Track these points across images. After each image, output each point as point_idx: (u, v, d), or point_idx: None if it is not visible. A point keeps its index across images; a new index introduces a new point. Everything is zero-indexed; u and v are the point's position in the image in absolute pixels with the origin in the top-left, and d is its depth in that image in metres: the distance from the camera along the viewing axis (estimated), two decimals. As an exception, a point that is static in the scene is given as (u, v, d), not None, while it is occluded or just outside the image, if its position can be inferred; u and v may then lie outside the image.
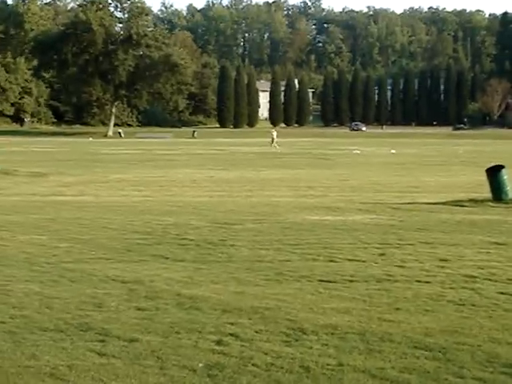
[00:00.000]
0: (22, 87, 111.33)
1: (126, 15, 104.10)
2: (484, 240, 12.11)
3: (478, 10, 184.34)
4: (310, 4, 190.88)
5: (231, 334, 6.59)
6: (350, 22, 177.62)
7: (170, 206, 17.98)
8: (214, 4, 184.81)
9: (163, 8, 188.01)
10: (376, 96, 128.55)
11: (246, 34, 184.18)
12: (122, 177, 28.97)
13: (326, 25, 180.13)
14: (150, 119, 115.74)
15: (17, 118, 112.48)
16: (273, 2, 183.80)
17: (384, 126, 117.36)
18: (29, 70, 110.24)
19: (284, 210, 16.86)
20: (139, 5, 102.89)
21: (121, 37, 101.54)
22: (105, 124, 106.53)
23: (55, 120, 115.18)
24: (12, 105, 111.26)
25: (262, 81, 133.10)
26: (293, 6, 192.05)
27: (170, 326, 6.84)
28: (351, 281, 8.91)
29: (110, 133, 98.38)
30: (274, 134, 62.37)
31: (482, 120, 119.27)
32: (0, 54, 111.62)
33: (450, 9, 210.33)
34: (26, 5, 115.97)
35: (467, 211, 16.57)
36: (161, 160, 42.17)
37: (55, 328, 6.80)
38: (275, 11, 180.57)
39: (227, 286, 8.65)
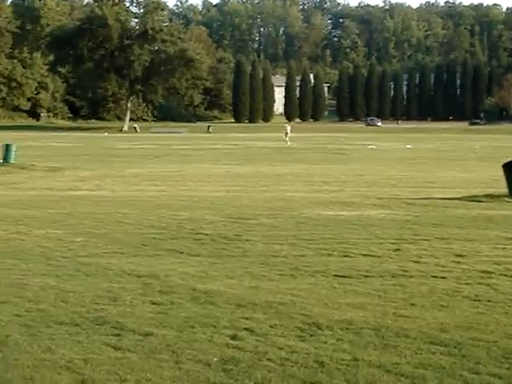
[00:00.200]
0: (38, 82, 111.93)
1: (142, 10, 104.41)
2: (500, 235, 12.05)
3: (495, 4, 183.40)
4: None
5: (246, 329, 6.59)
6: (365, 17, 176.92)
7: (185, 200, 18.01)
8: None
9: (179, 3, 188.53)
10: (392, 91, 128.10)
11: (262, 29, 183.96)
12: (137, 171, 29.05)
13: (341, 19, 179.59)
14: (166, 114, 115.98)
15: (33, 113, 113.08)
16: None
17: (399, 121, 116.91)
18: (45, 65, 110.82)
19: (299, 204, 16.84)
20: (155, 0, 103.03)
21: (136, 32, 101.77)
22: (120, 119, 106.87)
23: (71, 115, 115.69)
24: (28, 100, 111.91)
25: (277, 76, 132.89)
26: (308, 0, 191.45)
27: (185, 321, 6.85)
28: (366, 276, 8.88)
29: (126, 128, 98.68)
30: (288, 128, 62.29)
31: (498, 115, 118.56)
32: (16, 49, 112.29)
33: (466, 3, 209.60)
34: (42, 0, 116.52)
35: (483, 206, 16.48)
36: (176, 155, 42.25)
37: (71, 322, 6.84)
38: (290, 6, 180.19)
39: (242, 280, 8.65)
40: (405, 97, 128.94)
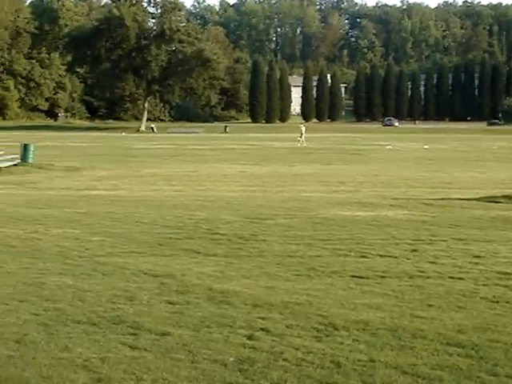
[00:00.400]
0: (56, 82, 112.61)
1: (159, 10, 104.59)
2: (518, 237, 11.96)
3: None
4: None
5: (262, 329, 6.59)
6: (383, 17, 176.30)
7: (201, 200, 18.04)
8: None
9: (196, 3, 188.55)
10: (409, 91, 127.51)
11: (279, 29, 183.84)
12: (154, 171, 29.14)
13: (358, 19, 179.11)
14: (183, 114, 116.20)
15: (51, 113, 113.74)
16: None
17: (417, 122, 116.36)
18: (63, 65, 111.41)
19: (315, 205, 16.82)
20: (172, 0, 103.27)
21: (154, 32, 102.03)
22: (137, 119, 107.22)
23: (89, 115, 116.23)
24: (46, 100, 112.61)
25: (294, 76, 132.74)
26: (325, 0, 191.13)
27: (201, 320, 6.86)
28: (383, 277, 8.85)
29: (143, 128, 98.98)
30: (303, 129, 62.21)
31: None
32: (35, 50, 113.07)
33: (485, 2, 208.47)
34: (60, 1, 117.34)
35: (501, 207, 16.37)
36: (193, 155, 42.34)
37: (88, 321, 6.87)
38: (307, 6, 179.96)
39: (258, 280, 8.65)
40: (422, 97, 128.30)
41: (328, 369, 5.60)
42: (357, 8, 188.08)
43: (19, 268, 9.34)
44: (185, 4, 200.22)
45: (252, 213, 15.10)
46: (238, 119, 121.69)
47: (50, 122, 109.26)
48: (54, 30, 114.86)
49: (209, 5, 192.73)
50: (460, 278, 8.77)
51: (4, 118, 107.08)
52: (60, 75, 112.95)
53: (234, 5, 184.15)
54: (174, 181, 24.86)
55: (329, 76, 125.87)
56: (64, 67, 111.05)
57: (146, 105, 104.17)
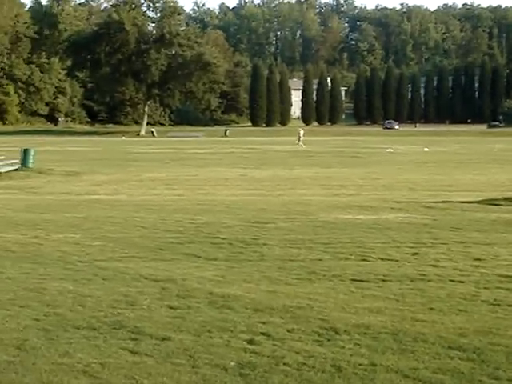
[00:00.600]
0: (56, 87, 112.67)
1: (159, 15, 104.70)
2: (519, 239, 11.94)
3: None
4: (342, 2, 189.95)
5: (263, 333, 6.58)
6: (382, 20, 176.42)
7: (202, 204, 18.03)
8: (246, 3, 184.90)
9: (195, 7, 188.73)
10: (409, 94, 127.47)
11: (278, 33, 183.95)
12: (154, 176, 29.13)
13: (358, 22, 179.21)
14: (183, 118, 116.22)
15: (51, 118, 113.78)
16: (305, 0, 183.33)
17: (417, 124, 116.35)
18: (63, 69, 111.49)
19: (316, 208, 16.81)
20: (172, 4, 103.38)
21: (153, 36, 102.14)
22: (138, 123, 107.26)
23: (89, 119, 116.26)
24: (46, 104, 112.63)
25: (294, 79, 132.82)
26: (325, 3, 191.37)
27: (202, 325, 6.85)
28: (384, 280, 8.84)
29: (143, 132, 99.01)
30: (301, 132, 62.29)
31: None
32: (35, 55, 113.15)
33: (484, 5, 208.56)
34: (60, 5, 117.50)
35: (502, 210, 16.36)
36: (193, 159, 42.33)
37: (88, 326, 6.86)
38: (307, 9, 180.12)
39: (259, 284, 8.64)
40: (423, 100, 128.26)
41: (329, 373, 5.58)
42: (356, 11, 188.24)
43: (19, 273, 9.33)
44: (184, 8, 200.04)
45: (253, 217, 15.09)
46: (238, 123, 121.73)
47: (50, 126, 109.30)
48: (53, 35, 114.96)
49: (208, 9, 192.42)
50: (461, 281, 8.75)
51: (4, 123, 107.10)
52: (60, 80, 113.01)
53: (233, 8, 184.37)
54: (175, 185, 24.85)
55: (329, 79, 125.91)
56: (64, 72, 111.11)
57: (146, 109, 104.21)
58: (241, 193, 21.87)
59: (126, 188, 23.77)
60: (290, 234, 12.57)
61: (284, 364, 5.77)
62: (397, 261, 10.09)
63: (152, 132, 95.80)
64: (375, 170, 32.51)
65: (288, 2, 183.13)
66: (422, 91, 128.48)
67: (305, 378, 5.48)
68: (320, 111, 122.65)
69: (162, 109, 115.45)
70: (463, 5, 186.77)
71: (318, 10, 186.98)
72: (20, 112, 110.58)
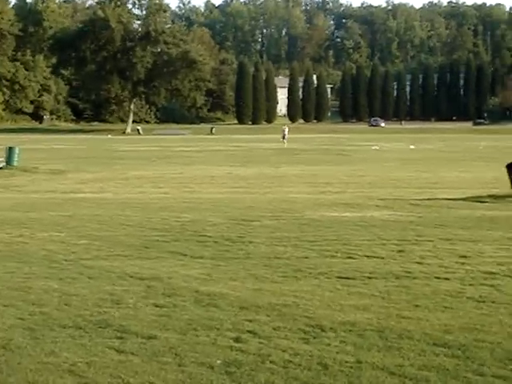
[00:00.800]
0: (41, 85, 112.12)
1: (144, 12, 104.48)
2: (504, 236, 12.02)
3: (498, 4, 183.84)
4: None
5: (249, 331, 6.58)
6: (368, 17, 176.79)
7: (188, 202, 18.00)
8: (231, 0, 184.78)
9: (181, 4, 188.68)
10: (395, 91, 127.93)
11: (264, 30, 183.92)
12: (140, 174, 29.07)
13: (344, 20, 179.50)
14: (169, 116, 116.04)
15: (36, 116, 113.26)
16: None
17: (403, 122, 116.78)
18: (48, 67, 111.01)
19: (302, 206, 16.83)
20: (157, 1, 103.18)
21: (139, 34, 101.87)
22: (123, 121, 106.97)
23: (74, 117, 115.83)
24: (31, 102, 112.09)
25: (280, 77, 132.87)
26: (311, 1, 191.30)
27: (188, 323, 6.85)
28: (370, 277, 8.87)
29: (129, 130, 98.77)
30: (286, 129, 62.44)
31: (502, 115, 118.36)
32: (19, 52, 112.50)
33: (469, 3, 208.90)
34: (44, 2, 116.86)
35: (487, 207, 16.45)
36: (179, 157, 42.27)
37: (74, 325, 6.83)
38: (293, 7, 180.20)
39: (245, 282, 8.64)
40: (408, 97, 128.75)
41: (315, 370, 5.60)
42: (342, 9, 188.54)
43: (4, 272, 9.27)
44: (170, 5, 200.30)
45: (239, 214, 15.09)
46: (224, 120, 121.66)
47: (35, 124, 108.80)
48: (38, 32, 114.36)
49: (194, 6, 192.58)
50: (446, 279, 8.79)
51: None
52: (45, 77, 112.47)
53: (219, 6, 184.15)
54: (161, 183, 24.80)
55: (315, 77, 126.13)
56: (49, 69, 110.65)
57: (132, 107, 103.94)
58: (227, 191, 21.86)
59: (111, 186, 23.70)
60: (276, 232, 12.58)
61: (270, 362, 5.78)
62: (382, 258, 10.12)
63: (138, 130, 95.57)
64: (361, 167, 32.59)
65: (274, 0, 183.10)
66: (408, 89, 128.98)
67: (291, 376, 5.49)
68: (306, 109, 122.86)
69: (147, 107, 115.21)
70: (448, 2, 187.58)
71: (303, 8, 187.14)
72: (4, 110, 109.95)
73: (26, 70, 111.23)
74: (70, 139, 73.73)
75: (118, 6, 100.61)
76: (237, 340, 6.33)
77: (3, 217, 14.95)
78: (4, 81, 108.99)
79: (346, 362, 5.77)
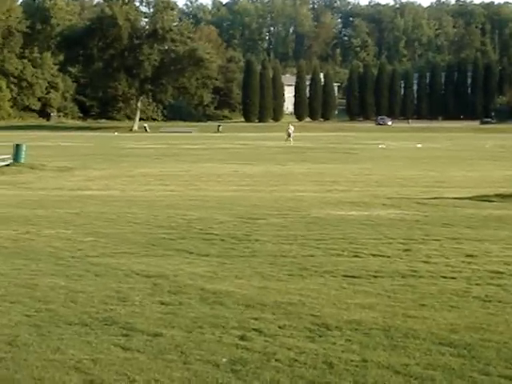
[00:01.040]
0: (48, 82, 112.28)
1: (152, 10, 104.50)
2: (511, 235, 11.98)
3: (507, 2, 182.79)
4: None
5: (255, 329, 6.58)
6: (376, 16, 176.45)
7: (194, 200, 18.02)
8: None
9: (188, 2, 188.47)
10: (402, 90, 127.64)
11: (272, 28, 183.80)
12: (147, 171, 29.10)
13: (351, 18, 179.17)
14: (175, 113, 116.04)
15: (43, 113, 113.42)
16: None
17: (410, 120, 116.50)
18: (55, 64, 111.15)
19: (308, 204, 16.82)
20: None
21: (146, 31, 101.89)
22: (130, 118, 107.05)
23: (81, 115, 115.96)
24: (39, 99, 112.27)
25: (287, 75, 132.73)
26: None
27: (194, 321, 6.85)
28: (376, 276, 8.86)
29: (136, 127, 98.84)
30: (291, 128, 62.38)
31: (509, 114, 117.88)
32: (27, 49, 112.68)
33: (477, 1, 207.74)
34: (52, 0, 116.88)
35: (494, 206, 16.41)
36: (186, 154, 42.30)
37: (80, 322, 6.85)
38: (300, 5, 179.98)
39: (251, 281, 8.64)
40: (415, 96, 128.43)
41: (320, 369, 5.59)
42: (349, 7, 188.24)
43: (11, 269, 9.30)
44: (177, 3, 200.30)
45: (245, 212, 15.09)
46: (231, 118, 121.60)
47: (43, 121, 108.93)
48: (46, 30, 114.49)
49: (201, 4, 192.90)
50: (452, 278, 8.78)
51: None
52: (52, 75, 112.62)
53: (226, 4, 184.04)
54: (167, 181, 24.83)
55: (322, 75, 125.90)
56: (56, 67, 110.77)
57: (139, 104, 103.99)
58: (233, 188, 21.87)
59: (118, 183, 23.74)
60: (282, 230, 12.58)
61: (275, 360, 5.78)
62: (388, 257, 10.11)
63: (145, 127, 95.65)
64: (368, 166, 32.55)
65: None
66: (415, 87, 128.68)
67: (296, 375, 5.49)
68: (313, 107, 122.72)
69: (154, 104, 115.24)
70: (456, 1, 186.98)
71: (311, 6, 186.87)
72: (12, 107, 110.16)
73: (34, 67, 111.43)
74: (77, 136, 73.86)
75: (126, 4, 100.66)
76: (242, 338, 6.33)
77: (10, 214, 15.00)
78: (12, 78, 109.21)
79: (352, 360, 5.76)
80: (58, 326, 6.74)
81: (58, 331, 6.56)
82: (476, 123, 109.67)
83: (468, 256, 10.15)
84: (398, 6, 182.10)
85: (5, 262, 9.78)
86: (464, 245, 11.09)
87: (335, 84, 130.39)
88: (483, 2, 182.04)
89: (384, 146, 52.31)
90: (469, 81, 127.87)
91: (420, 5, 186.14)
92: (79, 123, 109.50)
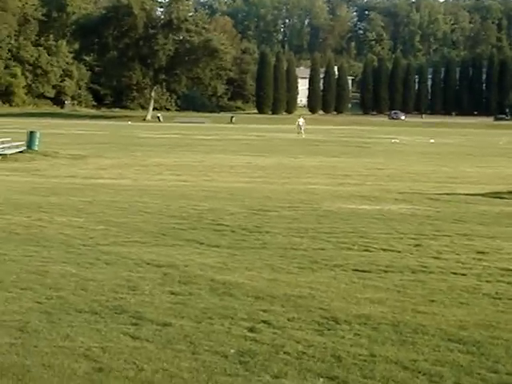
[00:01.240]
0: (63, 70, 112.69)
1: (167, 0, 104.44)
2: (523, 233, 11.93)
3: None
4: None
5: (264, 321, 6.59)
6: (391, 10, 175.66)
7: (206, 191, 18.04)
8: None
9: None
10: (416, 85, 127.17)
11: (287, 20, 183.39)
12: (159, 161, 29.15)
13: (367, 12, 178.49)
14: (189, 104, 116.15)
15: (57, 101, 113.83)
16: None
17: (424, 115, 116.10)
18: (70, 53, 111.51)
19: (320, 197, 16.81)
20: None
21: (161, 21, 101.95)
22: (144, 108, 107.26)
23: (95, 103, 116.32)
24: (53, 87, 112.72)
25: (301, 67, 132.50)
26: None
27: (203, 312, 6.87)
28: (386, 271, 8.85)
29: (149, 117, 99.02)
30: (301, 121, 62.30)
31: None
32: (42, 37, 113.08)
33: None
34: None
35: (506, 203, 16.33)
36: (199, 145, 42.33)
37: (90, 310, 6.88)
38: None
39: (261, 272, 8.65)
40: (429, 91, 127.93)
41: (328, 363, 5.60)
42: (365, 0, 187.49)
43: (23, 256, 9.36)
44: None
45: (256, 204, 15.10)
46: (244, 110, 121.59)
47: (57, 109, 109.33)
48: (61, 18, 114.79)
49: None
50: (463, 274, 8.75)
51: (11, 105, 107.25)
52: (67, 63, 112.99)
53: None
54: (180, 171, 24.86)
55: (336, 68, 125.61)
56: (71, 55, 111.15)
57: (153, 94, 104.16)
58: (245, 180, 21.88)
59: (131, 173, 23.80)
60: (293, 223, 12.58)
61: (284, 352, 5.79)
62: (399, 252, 10.09)
63: (158, 117, 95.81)
64: (380, 160, 32.47)
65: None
66: (429, 82, 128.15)
67: (304, 367, 5.49)
68: (326, 100, 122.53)
69: (168, 94, 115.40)
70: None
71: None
72: (27, 94, 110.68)
73: (49, 54, 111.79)
74: (90, 125, 74.04)
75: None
76: (251, 330, 6.34)
77: (23, 200, 15.07)
78: (27, 65, 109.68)
79: (360, 354, 5.77)
80: (68, 313, 6.78)
81: (68, 318, 6.60)
82: (490, 119, 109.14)
83: (479, 253, 10.12)
84: (413, 0, 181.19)
85: (16, 248, 9.84)
86: (475, 241, 11.06)
87: (349, 77, 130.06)
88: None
89: (397, 141, 52.15)
90: (483, 77, 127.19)
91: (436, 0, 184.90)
92: (93, 112, 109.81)
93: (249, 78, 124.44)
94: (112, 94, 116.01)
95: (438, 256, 9.85)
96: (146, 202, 15.27)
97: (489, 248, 10.49)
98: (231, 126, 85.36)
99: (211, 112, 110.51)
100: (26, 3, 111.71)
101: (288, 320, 6.66)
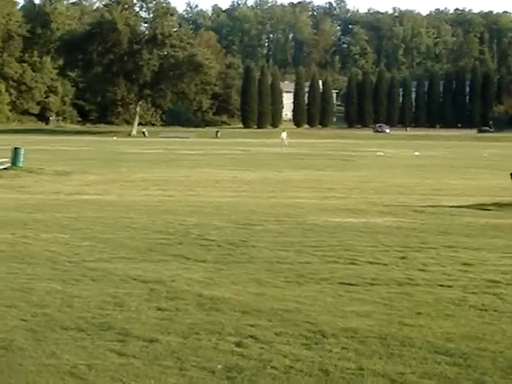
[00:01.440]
0: (47, 86, 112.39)
1: (151, 15, 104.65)
2: (508, 244, 12.00)
3: (505, 12, 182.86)
4: (334, 5, 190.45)
5: (251, 336, 6.58)
6: (375, 23, 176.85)
7: (192, 206, 18.02)
8: (239, 4, 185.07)
9: (188, 8, 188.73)
10: (400, 98, 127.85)
11: (271, 35, 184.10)
12: (145, 176, 29.09)
13: (350, 26, 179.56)
14: (174, 119, 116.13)
15: (42, 117, 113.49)
16: (298, 3, 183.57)
17: (408, 128, 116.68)
18: (54, 69, 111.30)
19: (305, 211, 16.83)
20: (164, 5, 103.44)
21: (146, 37, 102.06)
22: (129, 123, 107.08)
23: (80, 119, 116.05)
24: (38, 103, 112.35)
25: (285, 82, 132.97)
26: (318, 6, 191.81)
27: (190, 327, 6.85)
28: (372, 284, 8.86)
29: (134, 132, 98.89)
30: (284, 135, 62.96)
31: (507, 123, 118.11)
32: (27, 53, 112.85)
33: (476, 10, 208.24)
34: (52, 4, 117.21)
35: (491, 215, 16.42)
36: (184, 160, 42.29)
37: (76, 327, 6.84)
38: (300, 12, 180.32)
39: (247, 287, 8.64)
40: (413, 104, 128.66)
41: (316, 377, 5.59)
42: (349, 14, 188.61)
43: (7, 273, 9.29)
44: (177, 9, 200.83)
45: (242, 218, 15.10)
46: (229, 124, 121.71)
47: (41, 125, 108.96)
48: (45, 34, 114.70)
49: (201, 10, 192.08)
50: (449, 286, 8.78)
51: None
52: (51, 79, 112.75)
53: (226, 10, 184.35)
54: (165, 186, 24.82)
55: (320, 82, 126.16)
56: (55, 71, 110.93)
57: (138, 109, 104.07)
58: (231, 194, 21.87)
59: (116, 188, 23.73)
60: (279, 237, 12.58)
61: (271, 367, 5.77)
62: (385, 265, 10.11)
63: (143, 132, 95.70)
64: (365, 173, 32.58)
65: (281, 5, 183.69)
66: (413, 95, 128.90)
67: (292, 382, 5.48)
68: (311, 114, 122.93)
69: (153, 109, 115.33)
70: (455, 10, 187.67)
71: (310, 13, 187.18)
72: (11, 111, 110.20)
73: (33, 71, 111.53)
74: (75, 141, 73.83)
75: (126, 9, 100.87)
76: (238, 345, 6.32)
77: (7, 217, 14.99)
78: (11, 81, 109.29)
79: (348, 368, 5.76)
80: (54, 330, 6.73)
81: (54, 336, 6.55)
82: (474, 132, 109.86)
83: (465, 264, 10.15)
84: (397, 14, 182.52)
85: (1, 265, 9.77)
86: (461, 253, 11.10)
87: (334, 91, 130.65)
88: (482, 11, 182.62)
89: (382, 154, 52.36)
90: (467, 89, 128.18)
91: (419, 13, 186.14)
92: (78, 127, 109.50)
93: (234, 92, 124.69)
94: (97, 109, 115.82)
95: (424, 268, 9.88)
96: (132, 217, 15.22)
97: (474, 260, 10.53)
98: (216, 140, 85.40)
99: (196, 127, 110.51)
100: (10, 20, 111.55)
101: (275, 334, 6.65)
